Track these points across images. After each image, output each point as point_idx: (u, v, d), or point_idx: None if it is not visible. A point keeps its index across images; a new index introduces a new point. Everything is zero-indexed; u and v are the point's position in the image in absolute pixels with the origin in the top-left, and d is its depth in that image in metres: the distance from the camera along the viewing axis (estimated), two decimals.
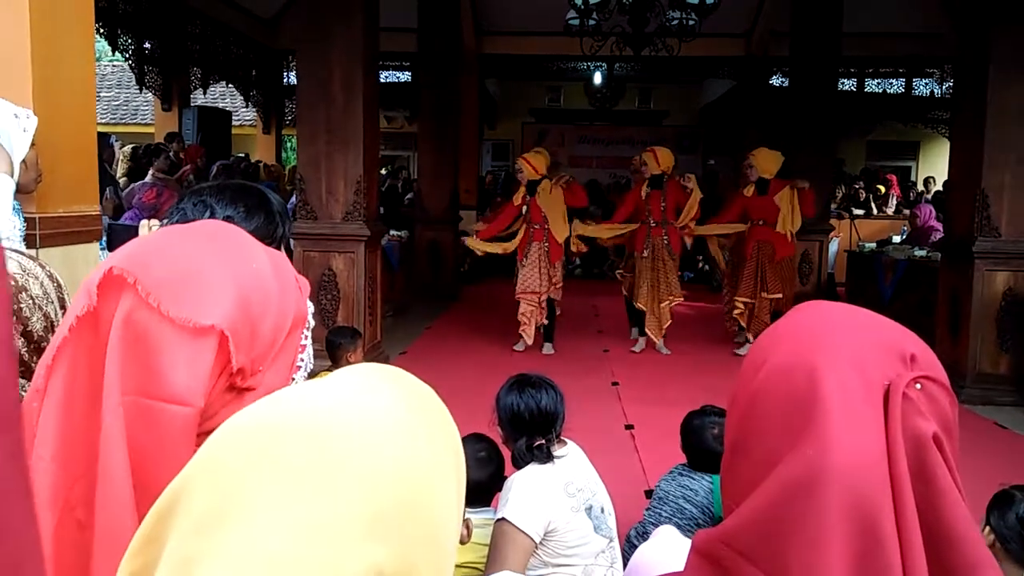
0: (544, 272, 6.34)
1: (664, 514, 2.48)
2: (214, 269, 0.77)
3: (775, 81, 11.44)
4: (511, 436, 2.24)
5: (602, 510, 2.21)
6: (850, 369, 0.61)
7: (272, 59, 11.45)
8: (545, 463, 2.16)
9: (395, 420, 0.49)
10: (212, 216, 1.07)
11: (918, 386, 0.60)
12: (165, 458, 0.71)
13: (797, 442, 0.59)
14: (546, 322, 6.51)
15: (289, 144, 13.86)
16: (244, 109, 13.26)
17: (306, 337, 0.88)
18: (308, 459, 0.45)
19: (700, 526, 2.35)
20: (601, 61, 11.13)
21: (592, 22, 7.43)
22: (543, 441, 2.19)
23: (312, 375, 0.91)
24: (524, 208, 6.33)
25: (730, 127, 12.77)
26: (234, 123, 11.65)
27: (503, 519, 2.05)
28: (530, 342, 6.50)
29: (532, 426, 2.19)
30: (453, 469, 0.52)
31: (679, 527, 2.02)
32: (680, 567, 0.75)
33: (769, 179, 6.41)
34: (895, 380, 0.60)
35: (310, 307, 0.91)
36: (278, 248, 1.09)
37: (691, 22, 7.29)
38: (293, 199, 6.15)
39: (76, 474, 0.71)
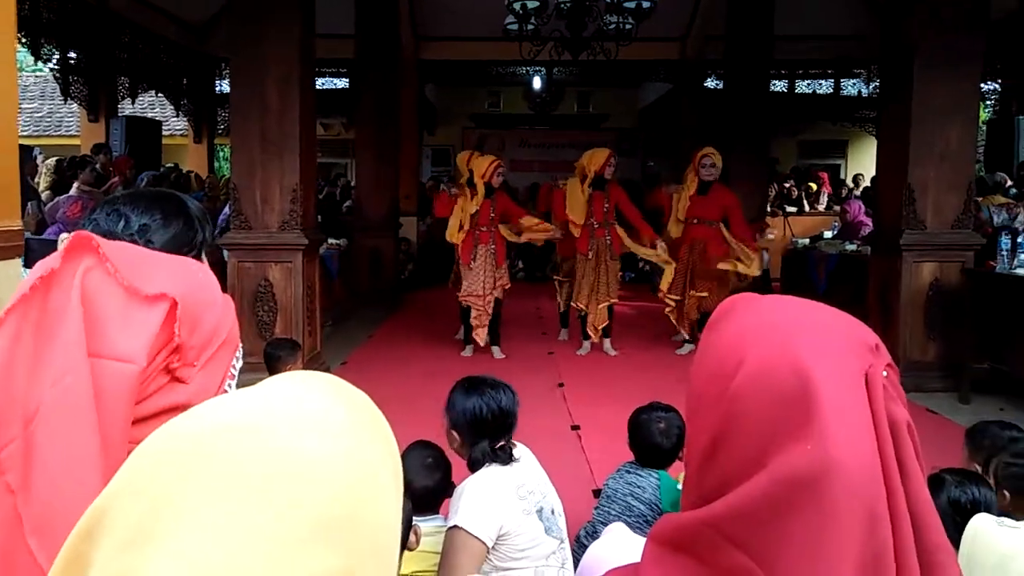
0: (490, 275, 6.33)
1: (612, 512, 2.49)
2: (168, 262, 0.86)
3: (710, 83, 11.68)
4: (471, 440, 2.22)
5: (552, 511, 2.21)
6: (833, 362, 0.62)
7: (203, 67, 11.18)
8: (507, 464, 2.16)
9: (333, 425, 0.47)
10: (127, 225, 1.00)
11: (885, 373, 0.62)
12: (101, 417, 0.72)
13: (794, 437, 0.60)
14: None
15: (222, 154, 13.56)
16: (175, 119, 12.89)
17: (235, 367, 0.93)
18: (242, 465, 0.43)
19: (648, 523, 2.37)
20: (540, 65, 11.20)
21: (530, 27, 7.45)
22: (504, 442, 2.19)
23: None
24: (475, 210, 6.25)
25: (668, 129, 12.98)
26: (164, 133, 11.35)
27: (456, 526, 2.03)
28: (482, 344, 6.46)
29: (495, 427, 2.19)
30: (392, 474, 0.50)
31: (628, 524, 2.03)
32: (631, 562, 0.75)
33: (711, 181, 6.45)
34: (870, 370, 0.62)
35: (241, 347, 0.98)
36: (199, 255, 1.08)
37: (628, 26, 7.37)
38: (227, 209, 6.01)
39: (9, 436, 0.71)
